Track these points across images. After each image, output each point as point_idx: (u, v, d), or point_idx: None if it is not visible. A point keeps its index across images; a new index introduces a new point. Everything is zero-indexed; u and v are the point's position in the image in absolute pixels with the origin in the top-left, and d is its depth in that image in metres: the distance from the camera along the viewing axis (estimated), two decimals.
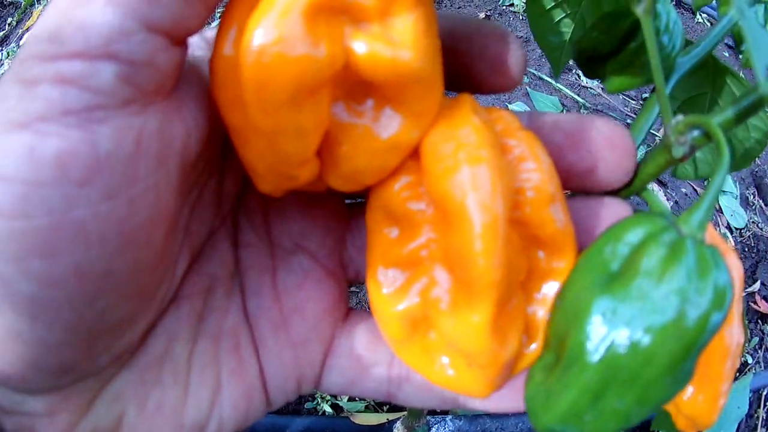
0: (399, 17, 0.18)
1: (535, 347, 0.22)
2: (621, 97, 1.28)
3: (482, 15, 1.35)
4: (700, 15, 1.45)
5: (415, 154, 0.21)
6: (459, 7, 1.38)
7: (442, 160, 0.20)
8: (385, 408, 0.81)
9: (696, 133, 0.22)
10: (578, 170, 0.24)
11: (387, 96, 0.19)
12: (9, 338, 0.17)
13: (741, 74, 0.35)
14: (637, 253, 0.19)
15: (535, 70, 1.28)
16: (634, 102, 1.28)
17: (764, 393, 0.92)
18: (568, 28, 0.38)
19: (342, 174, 0.21)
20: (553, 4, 0.37)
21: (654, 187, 1.12)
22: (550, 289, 0.22)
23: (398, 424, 0.72)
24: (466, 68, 0.23)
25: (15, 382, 0.18)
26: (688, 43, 0.30)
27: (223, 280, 0.24)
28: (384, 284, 0.22)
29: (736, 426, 0.83)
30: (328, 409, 0.81)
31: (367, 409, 0.81)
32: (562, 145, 0.24)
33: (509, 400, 0.25)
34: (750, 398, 0.88)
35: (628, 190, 0.25)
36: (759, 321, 1.00)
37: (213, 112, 0.20)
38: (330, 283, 0.26)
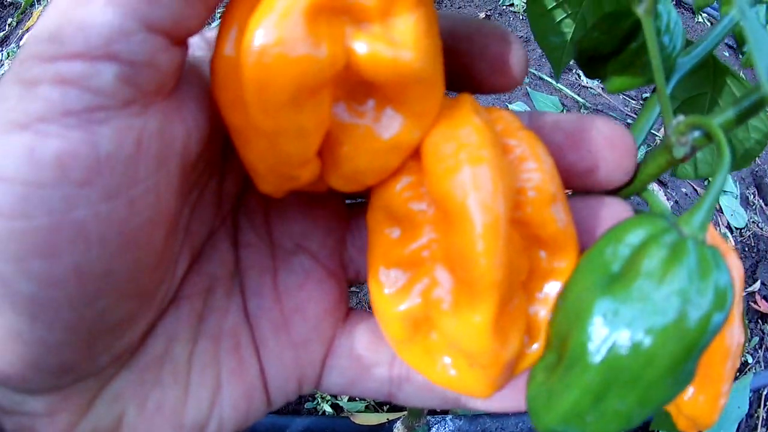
0: (400, 17, 0.18)
1: (536, 347, 0.22)
2: (621, 97, 1.28)
3: (482, 15, 1.35)
4: (701, 15, 1.45)
5: (416, 154, 0.21)
6: (459, 7, 1.38)
7: (443, 161, 0.20)
8: (385, 408, 0.81)
9: (697, 133, 0.22)
10: (578, 170, 0.24)
11: (388, 96, 0.19)
12: (9, 338, 0.17)
13: (741, 74, 0.35)
14: (638, 254, 0.19)
15: (536, 70, 1.27)
16: (634, 102, 1.28)
17: (764, 393, 0.92)
18: (569, 29, 0.38)
19: (343, 174, 0.21)
20: (554, 4, 0.37)
21: (654, 186, 1.12)
22: (551, 289, 0.22)
23: (398, 424, 0.72)
24: (466, 68, 0.23)
25: (15, 382, 0.18)
26: (688, 43, 0.30)
27: (224, 281, 0.24)
28: (386, 285, 0.22)
29: (736, 426, 0.83)
30: (328, 409, 0.81)
31: (367, 409, 0.81)
32: (563, 144, 0.24)
33: (511, 400, 0.25)
34: (750, 398, 0.88)
35: (629, 189, 0.25)
36: (759, 321, 1.00)
37: (213, 112, 0.20)
38: (331, 283, 0.26)
